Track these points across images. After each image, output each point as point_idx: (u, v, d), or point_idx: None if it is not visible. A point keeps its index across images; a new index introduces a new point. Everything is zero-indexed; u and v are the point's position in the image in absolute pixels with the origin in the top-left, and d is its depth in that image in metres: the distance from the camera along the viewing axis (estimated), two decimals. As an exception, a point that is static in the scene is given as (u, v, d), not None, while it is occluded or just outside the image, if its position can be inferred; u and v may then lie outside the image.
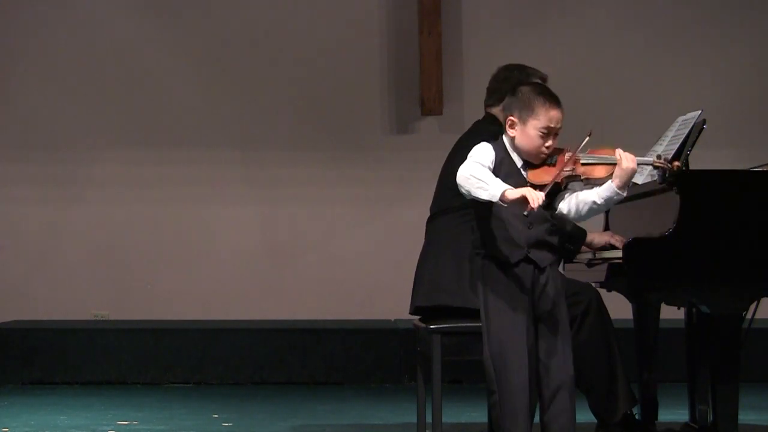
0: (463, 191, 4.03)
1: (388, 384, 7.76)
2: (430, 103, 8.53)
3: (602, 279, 4.66)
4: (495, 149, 4.13)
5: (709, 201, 4.27)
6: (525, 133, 4.10)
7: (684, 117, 4.80)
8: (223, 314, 8.47)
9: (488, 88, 4.96)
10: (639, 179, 4.86)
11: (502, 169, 4.09)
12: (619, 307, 5.23)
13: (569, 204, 4.13)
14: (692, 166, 4.54)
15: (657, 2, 8.79)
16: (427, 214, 4.95)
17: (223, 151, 8.71)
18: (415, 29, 8.62)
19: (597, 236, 4.83)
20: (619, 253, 4.36)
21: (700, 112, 4.66)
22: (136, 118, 8.70)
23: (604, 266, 4.55)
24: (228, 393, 7.35)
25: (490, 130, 4.79)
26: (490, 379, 4.10)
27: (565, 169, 4.06)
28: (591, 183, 4.11)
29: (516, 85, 4.35)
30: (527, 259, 4.09)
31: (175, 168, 8.70)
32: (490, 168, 4.06)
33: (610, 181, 4.06)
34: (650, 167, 4.81)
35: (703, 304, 4.34)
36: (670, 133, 4.84)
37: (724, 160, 6.81)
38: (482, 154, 4.11)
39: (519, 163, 4.13)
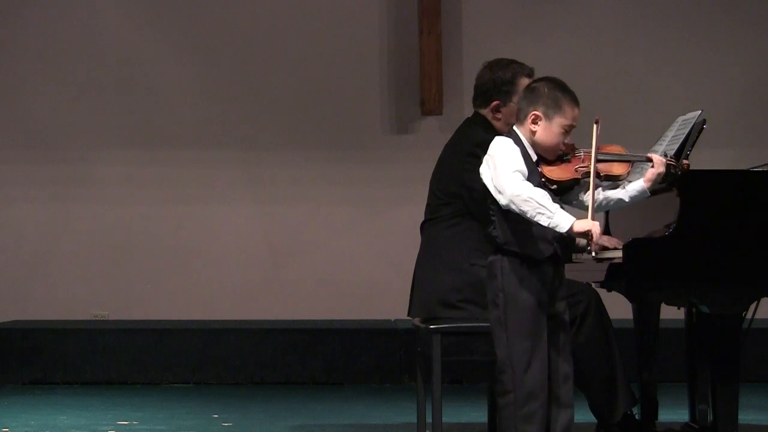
0: (513, 208, 3.95)
1: (388, 384, 7.75)
2: (430, 103, 8.52)
3: (602, 279, 4.66)
4: (518, 145, 4.08)
5: (709, 201, 4.27)
6: (549, 129, 4.06)
7: (684, 117, 4.80)
8: (223, 314, 8.46)
9: (475, 88, 4.94)
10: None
11: (527, 166, 4.05)
12: (619, 307, 5.23)
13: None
14: (692, 166, 4.55)
15: (657, 3, 8.79)
16: (427, 214, 4.95)
17: (223, 151, 8.70)
18: (415, 29, 8.61)
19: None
20: (619, 253, 4.36)
21: (700, 112, 4.66)
22: (137, 118, 8.70)
23: (605, 266, 4.55)
24: (228, 393, 7.35)
25: (479, 134, 4.77)
26: (506, 379, 4.04)
27: (583, 166, 4.06)
28: (610, 179, 4.13)
29: (514, 76, 4.58)
30: (551, 258, 4.04)
31: (175, 168, 8.70)
32: (526, 172, 4.03)
33: (642, 181, 4.09)
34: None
35: (703, 304, 4.34)
36: (670, 133, 4.83)
37: (724, 160, 6.81)
38: (513, 157, 4.04)
39: (534, 157, 4.09)
